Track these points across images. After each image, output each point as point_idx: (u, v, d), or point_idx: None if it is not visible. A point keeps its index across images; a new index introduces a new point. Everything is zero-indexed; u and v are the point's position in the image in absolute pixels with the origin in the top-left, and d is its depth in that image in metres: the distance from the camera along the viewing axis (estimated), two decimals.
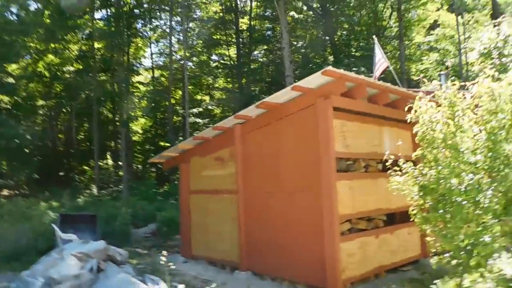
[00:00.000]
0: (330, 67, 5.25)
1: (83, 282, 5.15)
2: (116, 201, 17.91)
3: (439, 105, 4.75)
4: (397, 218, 7.18)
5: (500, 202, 4.55)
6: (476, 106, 4.74)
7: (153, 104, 28.16)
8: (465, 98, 4.66)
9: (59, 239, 7.66)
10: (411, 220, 5.26)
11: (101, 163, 30.10)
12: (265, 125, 6.83)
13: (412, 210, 4.90)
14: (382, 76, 10.93)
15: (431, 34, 25.29)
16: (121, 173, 23.95)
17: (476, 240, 4.40)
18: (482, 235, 4.41)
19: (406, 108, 5.06)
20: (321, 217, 5.66)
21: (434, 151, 4.62)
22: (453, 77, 4.57)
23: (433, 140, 4.65)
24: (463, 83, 4.80)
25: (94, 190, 22.87)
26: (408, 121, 4.94)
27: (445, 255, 4.88)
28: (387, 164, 5.31)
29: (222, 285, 6.56)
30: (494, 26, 9.70)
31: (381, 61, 10.06)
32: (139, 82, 27.06)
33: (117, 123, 25.54)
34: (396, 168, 5.20)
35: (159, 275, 7.02)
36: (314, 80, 5.67)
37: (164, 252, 9.69)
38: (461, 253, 4.59)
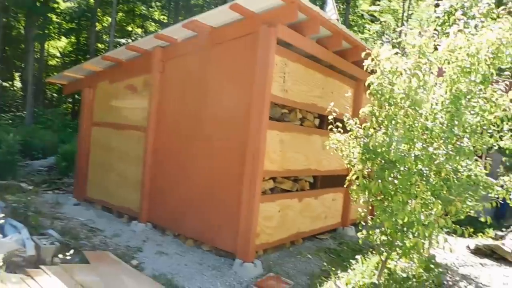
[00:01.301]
0: None
1: None
2: (14, 127, 15.68)
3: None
4: (318, 182, 6.47)
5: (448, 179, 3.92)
6: (446, 62, 3.96)
7: (74, 25, 25.11)
8: (436, 49, 3.84)
9: None
10: (344, 186, 4.59)
11: (7, 84, 26.68)
12: (191, 52, 5.58)
13: (353, 175, 4.10)
14: None
15: (377, 5, 25.07)
16: None
17: (416, 219, 3.72)
18: (421, 214, 3.75)
19: (363, 55, 4.17)
20: (243, 170, 4.68)
21: (391, 108, 3.78)
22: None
23: (391, 95, 3.81)
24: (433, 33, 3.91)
25: None
26: (365, 68, 4.06)
27: (376, 230, 4.26)
28: (329, 119, 4.49)
29: (113, 237, 5.44)
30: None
31: (332, 12, 9.05)
32: None
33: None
34: (338, 125, 4.45)
35: (39, 217, 5.77)
36: (259, 2, 4.51)
37: (56, 191, 8.46)
38: (397, 230, 3.92)
